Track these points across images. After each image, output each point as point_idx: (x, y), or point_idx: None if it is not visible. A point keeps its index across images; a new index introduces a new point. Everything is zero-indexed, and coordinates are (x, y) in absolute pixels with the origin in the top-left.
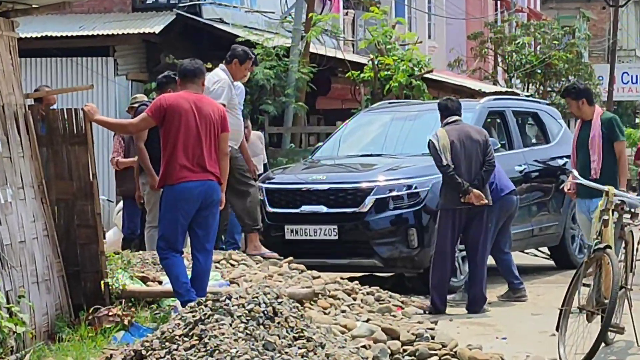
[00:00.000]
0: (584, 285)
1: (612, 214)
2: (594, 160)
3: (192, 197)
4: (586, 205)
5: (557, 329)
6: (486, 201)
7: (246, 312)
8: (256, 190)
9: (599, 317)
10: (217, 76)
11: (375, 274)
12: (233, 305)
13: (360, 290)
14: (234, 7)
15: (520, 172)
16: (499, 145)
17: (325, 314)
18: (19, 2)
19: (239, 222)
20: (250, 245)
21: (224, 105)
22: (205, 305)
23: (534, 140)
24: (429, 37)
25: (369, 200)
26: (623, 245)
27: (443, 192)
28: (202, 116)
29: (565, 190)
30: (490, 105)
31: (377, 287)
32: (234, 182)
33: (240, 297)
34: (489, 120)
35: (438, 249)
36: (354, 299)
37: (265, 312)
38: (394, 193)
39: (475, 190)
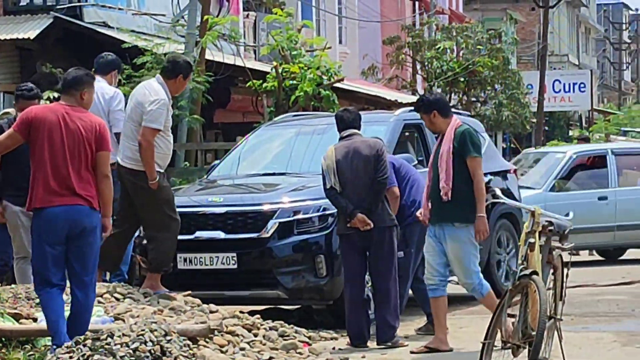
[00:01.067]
0: (509, 315)
1: (539, 237)
2: (442, 179)
3: (56, 225)
4: (432, 230)
5: None
6: (370, 226)
7: (130, 351)
8: (178, 227)
9: (526, 350)
10: (156, 94)
11: (280, 306)
12: (115, 345)
13: (262, 325)
14: (120, 9)
15: None
16: (416, 162)
17: (222, 352)
18: None
19: (149, 257)
20: (148, 282)
21: (159, 130)
22: (84, 345)
23: None
24: (340, 42)
25: (272, 225)
26: (551, 271)
27: (338, 216)
28: (69, 131)
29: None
30: (406, 118)
31: (282, 322)
32: (157, 214)
33: (124, 334)
34: (406, 133)
35: (345, 277)
36: (255, 335)
37: (152, 351)
38: (300, 216)
39: (359, 215)
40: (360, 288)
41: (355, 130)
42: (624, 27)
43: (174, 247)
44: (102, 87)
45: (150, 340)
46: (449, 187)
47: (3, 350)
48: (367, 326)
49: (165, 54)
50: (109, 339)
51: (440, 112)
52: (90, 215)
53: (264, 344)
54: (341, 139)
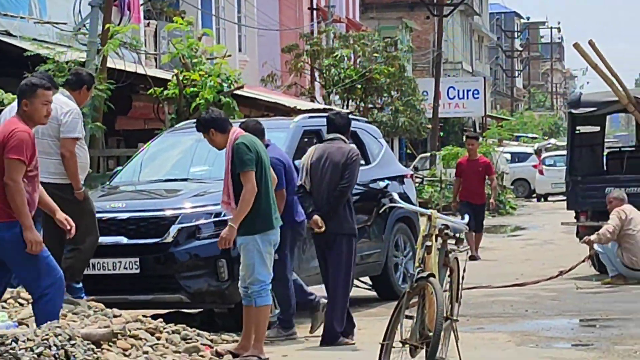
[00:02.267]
0: (407, 317)
1: (435, 240)
2: (224, 194)
3: None
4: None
5: None
6: (322, 229)
7: (35, 356)
8: (97, 240)
9: (423, 351)
10: (67, 105)
11: (182, 310)
12: (20, 349)
13: (164, 328)
14: (21, 17)
15: None
16: None
17: (125, 355)
18: None
19: (63, 266)
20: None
21: (79, 138)
22: None
23: None
24: (240, 50)
25: (174, 230)
26: (448, 273)
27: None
28: None
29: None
30: (305, 124)
31: (184, 325)
32: (81, 226)
33: (28, 339)
34: (305, 139)
35: (322, 274)
36: (158, 339)
37: (57, 355)
38: (202, 221)
39: (314, 217)
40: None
41: (340, 135)
42: (515, 35)
43: (89, 259)
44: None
45: (55, 345)
46: (227, 203)
47: None
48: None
49: (67, 62)
50: (14, 344)
51: (218, 129)
52: None
53: (167, 347)
54: (325, 140)
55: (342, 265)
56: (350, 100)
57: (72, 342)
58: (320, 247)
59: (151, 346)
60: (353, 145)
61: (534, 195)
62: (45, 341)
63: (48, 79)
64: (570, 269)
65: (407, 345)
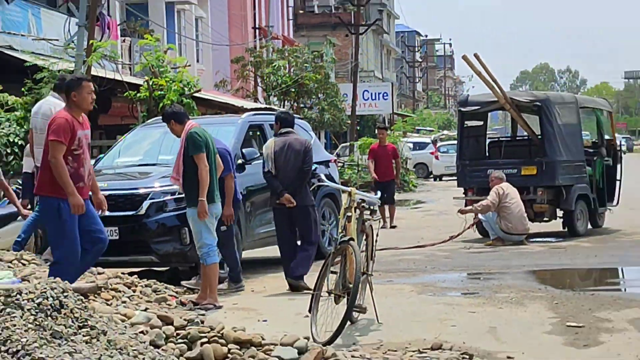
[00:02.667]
0: (332, 272)
1: (355, 211)
2: (173, 172)
3: None
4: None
5: (309, 311)
6: (293, 204)
7: (35, 305)
8: None
9: (345, 299)
10: (59, 106)
11: (153, 268)
12: (23, 300)
13: (139, 283)
14: (22, 35)
15: None
16: (259, 154)
17: (107, 304)
18: None
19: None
20: (49, 251)
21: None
22: None
23: None
24: (197, 61)
25: (146, 204)
26: (364, 237)
27: (270, 193)
28: None
29: None
30: (250, 120)
31: (155, 280)
32: None
33: (30, 292)
34: (250, 132)
35: (279, 238)
36: (134, 291)
37: (53, 304)
38: (168, 197)
39: (286, 195)
40: (290, 245)
41: (291, 129)
42: (416, 49)
43: None
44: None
45: (51, 296)
46: (176, 179)
47: None
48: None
49: (59, 71)
50: (18, 296)
51: (176, 120)
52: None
53: (141, 298)
54: (279, 134)
55: (312, 228)
56: (285, 101)
57: (65, 294)
58: (288, 219)
59: (128, 297)
60: (306, 137)
61: (431, 176)
62: (44, 293)
63: (81, 78)
64: (458, 234)
65: (332, 295)
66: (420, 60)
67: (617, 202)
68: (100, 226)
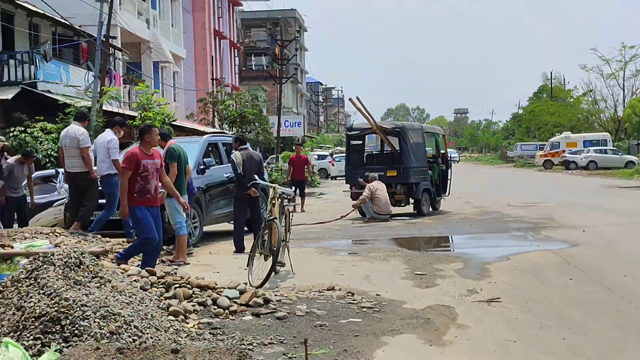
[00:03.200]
0: (263, 240)
1: (277, 200)
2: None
3: None
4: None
5: (247, 266)
6: (258, 194)
7: (63, 263)
8: (96, 202)
9: (271, 258)
10: (80, 129)
11: None
12: (55, 259)
13: None
14: (56, 83)
15: (227, 177)
16: (215, 163)
17: (112, 262)
18: None
19: (80, 214)
20: (75, 226)
21: (90, 146)
22: (38, 259)
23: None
24: (174, 100)
25: None
26: (284, 217)
27: (236, 187)
28: None
29: None
30: (209, 140)
31: None
32: (91, 192)
33: (59, 254)
34: (209, 148)
35: (235, 219)
36: None
37: (75, 262)
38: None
39: (252, 189)
40: (242, 223)
41: (247, 146)
42: (319, 94)
43: (93, 212)
44: (106, 135)
45: (73, 257)
46: (158, 182)
47: None
48: (242, 243)
49: (81, 107)
50: (51, 256)
51: (162, 139)
52: None
53: (136, 258)
54: (240, 149)
55: (259, 211)
56: (233, 128)
57: (83, 255)
58: (247, 204)
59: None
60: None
61: (329, 176)
62: (68, 255)
63: (150, 125)
64: (347, 215)
65: (263, 255)
66: (322, 101)
67: (448, 194)
68: (157, 226)
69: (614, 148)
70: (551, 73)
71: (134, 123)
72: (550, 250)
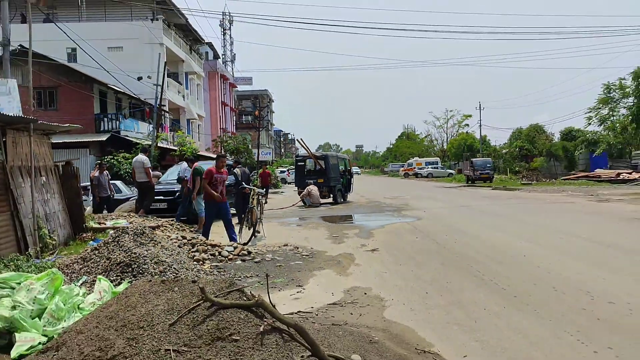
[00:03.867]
0: (248, 217)
1: (256, 196)
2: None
3: None
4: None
5: (238, 232)
6: (249, 192)
7: (133, 232)
8: (153, 198)
9: (253, 228)
10: (145, 157)
11: (181, 218)
12: (129, 230)
13: (175, 224)
14: (131, 131)
15: (232, 182)
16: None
17: (162, 232)
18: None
19: (144, 204)
20: (141, 212)
21: (150, 167)
22: (119, 231)
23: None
24: (198, 140)
25: (177, 194)
26: (259, 205)
27: (236, 188)
28: None
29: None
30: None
31: (180, 224)
32: (151, 192)
33: (131, 228)
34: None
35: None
36: (172, 226)
37: (140, 232)
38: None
39: (246, 188)
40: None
41: (241, 165)
42: (281, 137)
43: (151, 204)
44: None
45: (139, 229)
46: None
47: (94, 234)
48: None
49: (144, 144)
50: (127, 229)
51: (190, 161)
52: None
53: (172, 230)
54: (239, 167)
55: (248, 201)
56: (233, 156)
57: (145, 228)
58: (242, 197)
59: (170, 229)
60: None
61: (287, 183)
62: (136, 228)
63: (222, 155)
64: (296, 204)
65: (247, 226)
66: (283, 141)
67: (351, 191)
68: (226, 216)
69: (442, 166)
70: (407, 125)
71: (175, 153)
72: (406, 222)
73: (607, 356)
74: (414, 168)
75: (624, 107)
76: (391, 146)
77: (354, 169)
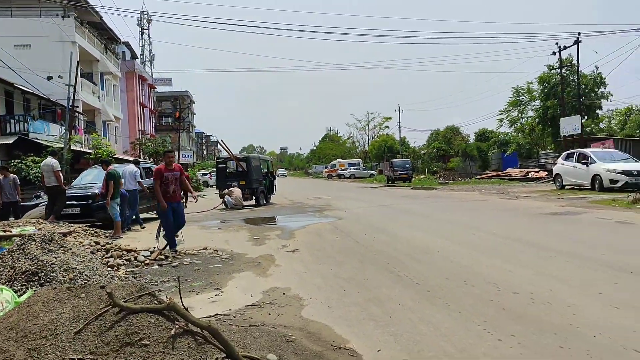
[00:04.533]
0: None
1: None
2: (102, 188)
3: None
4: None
5: (156, 237)
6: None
7: (41, 239)
8: (64, 203)
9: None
10: (54, 161)
11: (95, 223)
12: (36, 237)
13: (89, 229)
14: (40, 133)
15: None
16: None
17: (74, 238)
18: None
19: (54, 210)
20: (51, 219)
21: (60, 170)
22: (25, 238)
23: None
24: (115, 142)
25: (91, 199)
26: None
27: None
28: None
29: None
30: (143, 166)
31: (95, 229)
32: (62, 197)
33: (38, 235)
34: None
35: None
36: (86, 232)
37: (48, 238)
38: (97, 195)
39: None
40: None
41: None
42: (203, 138)
43: (62, 210)
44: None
45: (47, 235)
46: (102, 190)
47: None
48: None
49: (55, 147)
50: (34, 235)
51: (105, 164)
52: None
53: (85, 236)
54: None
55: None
56: (152, 159)
57: (54, 234)
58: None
59: (83, 235)
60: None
61: (209, 185)
62: (44, 235)
63: (169, 150)
64: (217, 206)
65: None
66: (205, 142)
67: (274, 193)
68: (180, 218)
69: (364, 167)
70: (330, 127)
71: (90, 156)
72: (327, 222)
73: (510, 343)
74: (337, 169)
75: (532, 110)
76: (315, 148)
77: (280, 171)
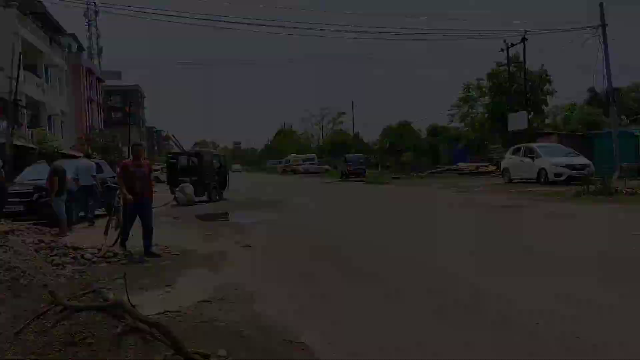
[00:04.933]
0: (115, 217)
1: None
2: (47, 183)
3: None
4: None
5: (105, 233)
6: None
7: None
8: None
9: (120, 228)
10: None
11: (39, 221)
12: None
13: (33, 227)
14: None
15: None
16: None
17: (16, 236)
18: None
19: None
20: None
21: None
22: None
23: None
24: (62, 137)
25: (36, 195)
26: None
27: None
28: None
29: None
30: (97, 162)
31: (39, 226)
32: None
33: None
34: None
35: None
36: (29, 229)
37: None
38: (43, 192)
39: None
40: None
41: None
42: (154, 133)
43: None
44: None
45: None
46: (48, 184)
47: None
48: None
49: None
50: None
51: (51, 159)
52: None
53: (28, 234)
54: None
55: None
56: (100, 155)
57: None
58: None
59: (26, 232)
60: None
61: (161, 181)
62: None
63: (137, 144)
64: (168, 203)
65: (114, 227)
66: (156, 138)
67: (227, 188)
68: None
69: (318, 162)
70: (284, 122)
71: (35, 151)
72: (280, 217)
73: (444, 320)
74: (292, 165)
75: (481, 105)
76: (269, 143)
77: (235, 167)
